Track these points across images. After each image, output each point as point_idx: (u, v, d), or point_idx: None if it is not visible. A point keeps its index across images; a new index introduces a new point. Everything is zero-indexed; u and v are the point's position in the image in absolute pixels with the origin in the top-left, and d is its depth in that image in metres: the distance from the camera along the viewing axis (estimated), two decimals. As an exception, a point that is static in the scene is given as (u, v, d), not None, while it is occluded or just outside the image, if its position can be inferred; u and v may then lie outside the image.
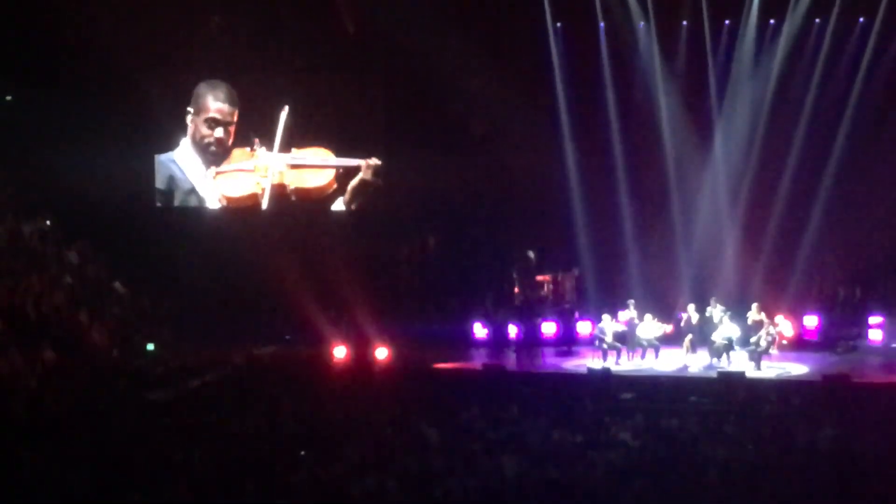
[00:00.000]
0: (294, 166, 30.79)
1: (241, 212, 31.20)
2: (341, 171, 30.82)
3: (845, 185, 30.39)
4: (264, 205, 30.88)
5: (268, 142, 30.65)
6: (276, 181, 30.74)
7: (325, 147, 30.97)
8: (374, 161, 30.51)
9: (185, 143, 30.68)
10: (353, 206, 30.86)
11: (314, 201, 31.06)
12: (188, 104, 30.68)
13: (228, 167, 30.84)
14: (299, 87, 30.88)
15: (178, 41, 30.21)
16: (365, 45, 31.23)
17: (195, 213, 31.41)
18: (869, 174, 30.45)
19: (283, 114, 30.42)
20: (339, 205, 31.00)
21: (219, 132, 30.45)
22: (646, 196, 31.88)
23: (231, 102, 30.54)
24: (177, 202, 31.19)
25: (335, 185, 30.90)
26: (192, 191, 30.99)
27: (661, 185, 31.65)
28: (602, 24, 31.32)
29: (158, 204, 31.30)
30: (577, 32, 31.49)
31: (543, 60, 31.53)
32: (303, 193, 30.91)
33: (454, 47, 29.76)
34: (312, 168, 30.90)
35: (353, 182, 30.75)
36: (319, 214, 31.14)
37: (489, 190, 32.59)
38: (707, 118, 31.30)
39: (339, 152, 30.88)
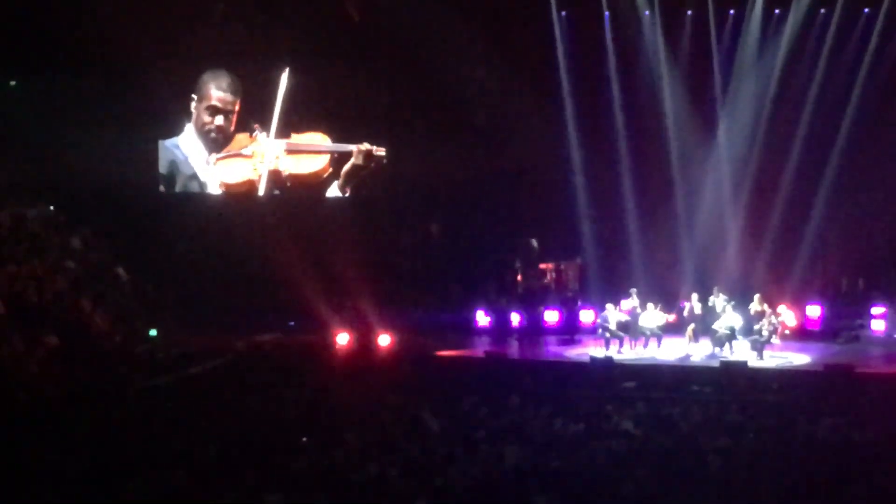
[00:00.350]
0: (290, 151, 30.89)
1: (239, 197, 31.24)
2: (336, 155, 30.85)
3: (849, 176, 30.35)
4: (260, 190, 30.94)
5: (269, 128, 30.70)
6: (272, 167, 30.81)
7: (329, 135, 31.00)
8: (366, 146, 30.59)
9: (189, 129, 30.80)
10: (346, 190, 30.91)
11: (309, 186, 31.11)
12: (193, 90, 30.72)
13: (228, 153, 30.91)
14: (304, 74, 30.85)
15: (184, 28, 30.17)
16: (369, 33, 31.18)
17: (198, 200, 31.40)
18: (873, 165, 30.42)
19: (284, 77, 30.45)
20: (334, 189, 30.99)
21: (219, 120, 30.60)
22: (649, 185, 31.83)
23: (233, 91, 30.63)
24: (178, 187, 31.27)
25: (330, 170, 31.02)
26: (194, 176, 31.09)
27: (664, 174, 31.62)
28: (607, 13, 31.31)
29: (161, 188, 31.29)
30: (582, 21, 31.48)
31: (548, 48, 31.51)
32: (298, 178, 31.03)
33: (459, 35, 29.76)
34: (308, 153, 30.97)
35: (346, 167, 30.89)
36: (314, 200, 31.16)
37: (493, 178, 32.56)
38: (711, 107, 31.31)
39: (343, 140, 30.88)
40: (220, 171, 30.99)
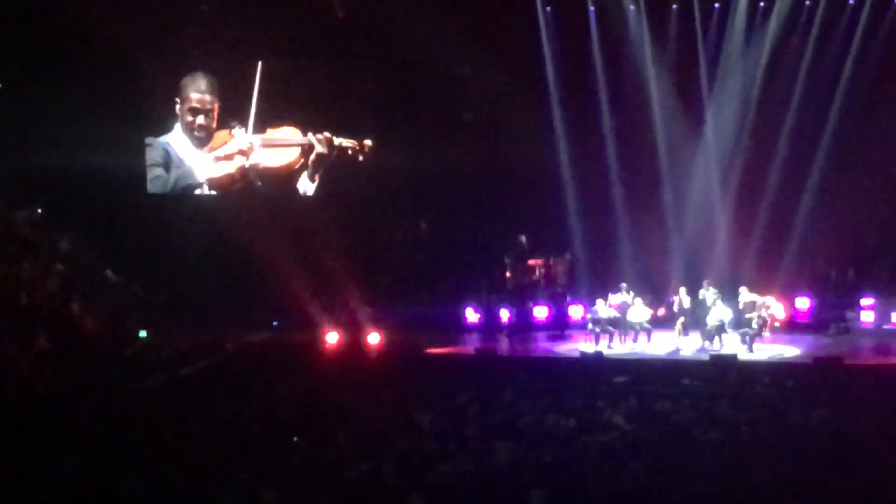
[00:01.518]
0: (266, 146, 31.62)
1: (224, 194, 31.58)
2: (306, 147, 31.56)
3: (837, 167, 30.42)
4: (238, 185, 31.48)
5: (246, 124, 31.44)
6: (248, 162, 31.85)
7: (309, 130, 31.51)
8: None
9: (178, 128, 31.47)
10: (315, 178, 31.74)
11: (281, 178, 31.68)
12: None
13: (209, 149, 31.57)
14: (292, 73, 31.19)
15: (171, 28, 30.27)
16: (356, 31, 31.23)
17: (186, 199, 31.61)
18: (860, 156, 30.49)
19: (258, 71, 30.92)
20: (304, 181, 31.47)
21: (200, 119, 31.76)
22: (637, 179, 31.90)
23: (210, 92, 31.68)
24: (170, 183, 31.64)
25: (301, 161, 31.71)
26: (183, 172, 31.58)
27: (652, 169, 31.71)
28: (592, 8, 31.35)
29: (155, 187, 31.52)
30: (567, 16, 31.52)
31: (534, 44, 31.53)
32: (271, 172, 31.79)
33: (445, 32, 29.75)
34: (281, 147, 31.63)
35: (312, 156, 31.49)
36: (286, 194, 31.58)
37: (481, 174, 32.58)
38: (698, 101, 31.38)
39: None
40: (204, 167, 31.52)
